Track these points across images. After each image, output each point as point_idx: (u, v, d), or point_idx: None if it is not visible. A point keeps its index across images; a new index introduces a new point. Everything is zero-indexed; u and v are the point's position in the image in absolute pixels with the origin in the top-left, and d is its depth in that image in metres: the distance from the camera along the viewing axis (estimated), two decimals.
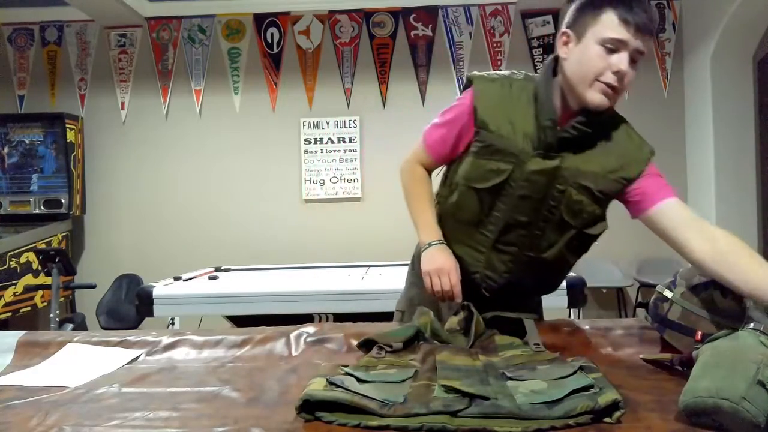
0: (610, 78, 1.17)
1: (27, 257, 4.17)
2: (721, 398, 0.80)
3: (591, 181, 1.27)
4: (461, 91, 1.41)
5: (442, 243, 1.38)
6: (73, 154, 4.57)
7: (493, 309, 1.34)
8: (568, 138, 1.25)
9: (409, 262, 1.65)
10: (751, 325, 0.97)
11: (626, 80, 1.18)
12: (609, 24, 1.16)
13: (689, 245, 1.20)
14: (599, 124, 1.26)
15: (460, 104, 1.35)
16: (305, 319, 2.30)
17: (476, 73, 1.37)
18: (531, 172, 1.27)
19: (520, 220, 1.31)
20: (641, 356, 1.18)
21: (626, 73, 1.17)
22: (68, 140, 4.52)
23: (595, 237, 1.35)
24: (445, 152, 1.39)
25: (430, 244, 1.37)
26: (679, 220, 1.23)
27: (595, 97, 1.19)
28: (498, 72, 1.36)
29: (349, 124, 4.74)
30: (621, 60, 1.16)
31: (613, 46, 1.16)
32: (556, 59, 1.28)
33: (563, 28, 1.25)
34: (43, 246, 4.27)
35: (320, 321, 2.36)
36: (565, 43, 1.24)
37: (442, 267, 1.33)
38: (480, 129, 1.30)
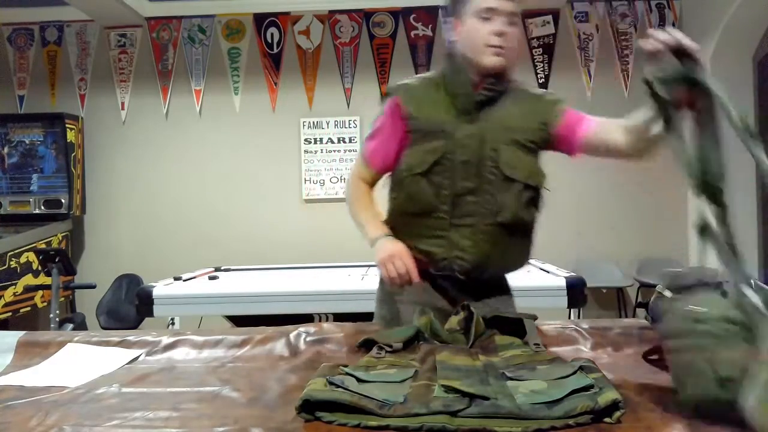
0: (495, 41, 1.36)
1: (27, 257, 4.17)
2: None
3: (518, 134, 1.41)
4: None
5: (390, 235, 1.45)
6: (73, 154, 4.57)
7: (472, 294, 1.43)
8: (484, 100, 1.42)
9: None
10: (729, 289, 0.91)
11: (510, 38, 1.38)
12: None
13: (617, 146, 1.36)
14: (506, 88, 1.44)
15: (385, 111, 1.50)
16: (305, 319, 2.29)
17: (390, 85, 1.55)
18: (462, 138, 1.40)
19: (467, 186, 1.40)
20: (644, 352, 1.18)
21: (507, 33, 1.37)
22: (68, 140, 4.52)
23: (539, 190, 1.45)
24: (382, 159, 1.50)
25: (377, 239, 1.44)
26: (604, 131, 1.40)
27: (490, 60, 1.37)
28: (409, 77, 1.54)
29: (349, 124, 4.74)
30: (498, 23, 1.36)
31: (488, 16, 1.36)
32: (450, 51, 1.48)
33: (447, 19, 1.47)
34: (43, 246, 4.27)
35: (320, 321, 2.37)
36: (454, 29, 1.44)
37: (393, 252, 1.39)
38: (408, 120, 1.44)
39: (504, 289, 1.57)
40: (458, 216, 1.42)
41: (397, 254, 1.39)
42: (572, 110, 1.45)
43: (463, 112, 1.42)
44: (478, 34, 1.37)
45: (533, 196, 1.43)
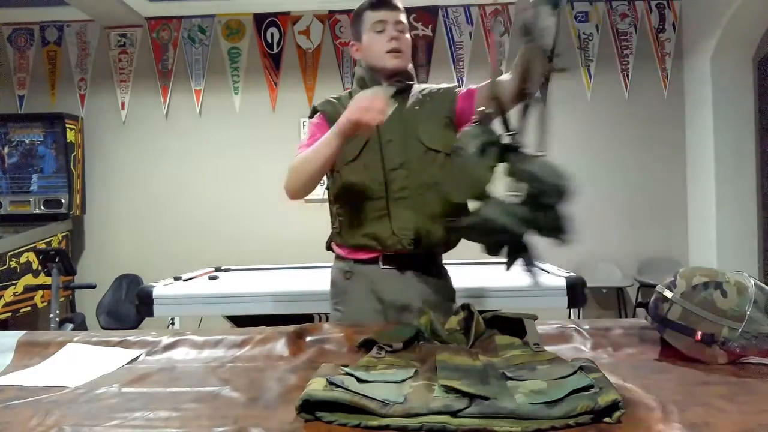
0: (390, 45, 1.58)
1: (27, 257, 4.17)
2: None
3: (433, 112, 1.61)
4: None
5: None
6: (73, 154, 4.57)
7: (422, 264, 1.60)
8: (398, 91, 1.60)
9: None
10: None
11: (403, 41, 1.60)
12: (369, 16, 1.61)
13: (507, 87, 1.47)
14: (413, 84, 1.66)
15: (313, 122, 1.69)
16: (305, 319, 2.29)
17: (315, 102, 1.75)
18: (384, 121, 1.50)
19: (396, 162, 1.57)
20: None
21: (398, 37, 1.59)
22: (68, 140, 4.52)
23: None
24: None
25: (335, 128, 1.46)
26: (491, 84, 1.51)
27: (390, 62, 1.60)
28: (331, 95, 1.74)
29: None
30: (390, 32, 1.59)
31: (380, 28, 1.59)
32: (359, 66, 1.69)
33: (351, 43, 1.70)
34: (43, 246, 4.27)
35: (320, 321, 2.36)
36: (357, 50, 1.68)
37: (358, 106, 1.40)
38: (333, 123, 1.54)
39: (445, 273, 1.72)
40: (394, 191, 1.56)
41: (361, 101, 1.40)
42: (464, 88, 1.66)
43: None
44: (376, 44, 1.60)
45: None
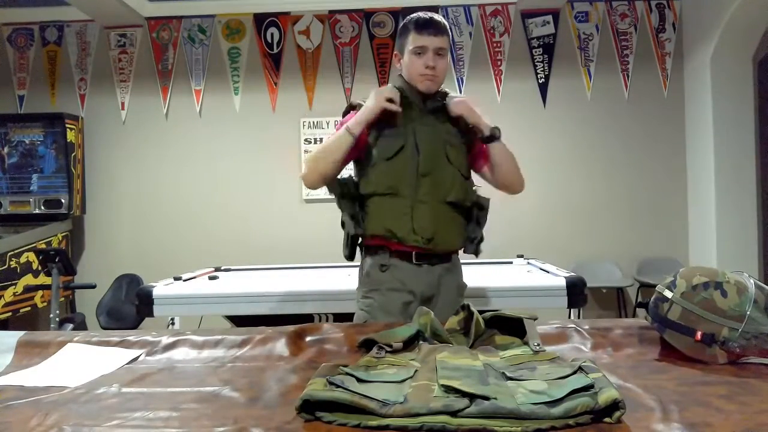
0: (425, 71, 1.72)
1: (27, 257, 4.17)
2: None
3: (457, 136, 1.79)
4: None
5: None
6: (73, 154, 4.57)
7: (446, 261, 1.78)
8: (432, 108, 1.78)
9: None
10: None
11: (438, 69, 1.73)
12: (413, 38, 1.74)
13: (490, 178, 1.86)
14: (443, 103, 1.79)
15: (348, 117, 1.80)
16: (305, 319, 2.29)
17: (353, 100, 1.89)
18: (420, 128, 1.74)
19: (428, 169, 1.72)
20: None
21: (434, 65, 1.72)
22: (68, 140, 4.52)
23: (470, 182, 1.82)
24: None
25: (364, 107, 1.72)
26: (489, 170, 1.86)
27: (422, 85, 1.75)
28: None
29: None
30: (428, 58, 1.72)
31: (420, 51, 1.73)
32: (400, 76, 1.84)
33: (395, 53, 1.84)
34: (43, 246, 4.27)
35: (320, 321, 2.36)
36: (398, 62, 1.83)
37: (378, 92, 1.71)
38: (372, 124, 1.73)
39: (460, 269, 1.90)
40: (420, 194, 1.71)
41: (380, 91, 1.71)
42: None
43: (417, 113, 1.76)
44: (413, 65, 1.74)
45: (468, 188, 1.80)
